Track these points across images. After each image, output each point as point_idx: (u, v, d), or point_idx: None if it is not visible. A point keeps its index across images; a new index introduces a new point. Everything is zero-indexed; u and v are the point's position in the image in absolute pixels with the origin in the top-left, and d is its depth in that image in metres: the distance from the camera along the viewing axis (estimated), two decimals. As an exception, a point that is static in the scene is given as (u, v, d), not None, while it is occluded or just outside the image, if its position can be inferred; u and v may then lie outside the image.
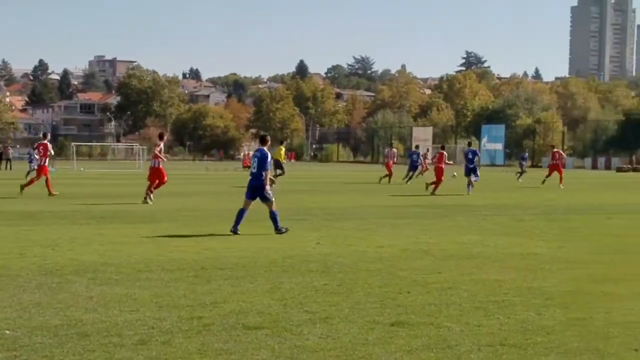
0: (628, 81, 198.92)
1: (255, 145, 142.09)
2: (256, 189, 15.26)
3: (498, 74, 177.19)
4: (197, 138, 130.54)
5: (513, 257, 12.16)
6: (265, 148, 15.53)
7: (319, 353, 6.49)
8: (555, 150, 38.46)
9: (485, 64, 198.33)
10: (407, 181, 37.68)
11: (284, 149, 36.75)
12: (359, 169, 70.61)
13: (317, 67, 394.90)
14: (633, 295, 9.06)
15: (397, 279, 10.05)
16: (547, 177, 36.88)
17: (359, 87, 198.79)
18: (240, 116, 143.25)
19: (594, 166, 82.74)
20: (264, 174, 15.19)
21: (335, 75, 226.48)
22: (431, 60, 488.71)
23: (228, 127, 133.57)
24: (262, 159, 15.27)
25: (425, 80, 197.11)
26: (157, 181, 23.46)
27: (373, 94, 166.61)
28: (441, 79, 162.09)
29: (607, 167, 79.97)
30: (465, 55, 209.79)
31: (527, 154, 51.60)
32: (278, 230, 14.96)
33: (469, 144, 34.28)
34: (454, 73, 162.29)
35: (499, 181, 37.82)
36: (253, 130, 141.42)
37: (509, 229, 16.56)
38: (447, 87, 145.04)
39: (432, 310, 8.15)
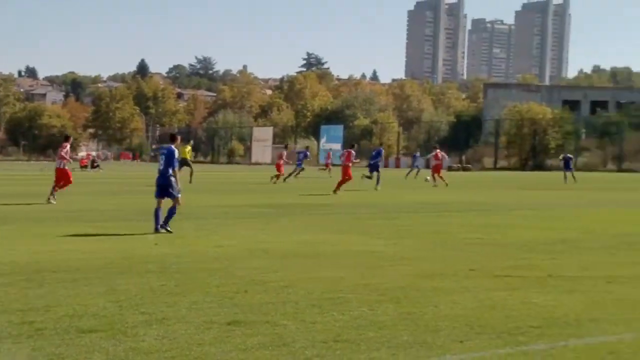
0: (459, 84, 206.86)
1: (93, 145, 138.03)
2: (163, 187, 15.35)
3: (337, 75, 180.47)
4: (32, 138, 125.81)
5: (349, 255, 12.44)
6: (173, 146, 15.60)
7: (154, 354, 6.43)
8: (437, 151, 39.87)
9: (325, 65, 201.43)
10: (285, 179, 39.36)
11: (189, 148, 38.09)
12: (200, 169, 69.98)
13: (158, 66, 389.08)
14: (460, 290, 9.47)
15: (234, 278, 10.08)
16: (434, 177, 38.48)
17: (200, 87, 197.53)
18: (79, 115, 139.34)
19: (427, 166, 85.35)
20: (170, 171, 15.28)
21: (176, 75, 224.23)
22: (272, 61, 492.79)
23: (65, 127, 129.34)
24: (168, 156, 15.35)
25: (266, 80, 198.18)
26: (62, 182, 23.62)
27: (214, 94, 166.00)
28: (282, 79, 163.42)
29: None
30: (305, 57, 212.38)
31: (419, 153, 52.44)
32: (164, 226, 15.11)
33: (381, 144, 36.17)
34: (295, 74, 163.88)
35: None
36: (91, 130, 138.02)
37: (346, 227, 16.91)
38: (287, 88, 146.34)
39: (268, 308, 8.23)
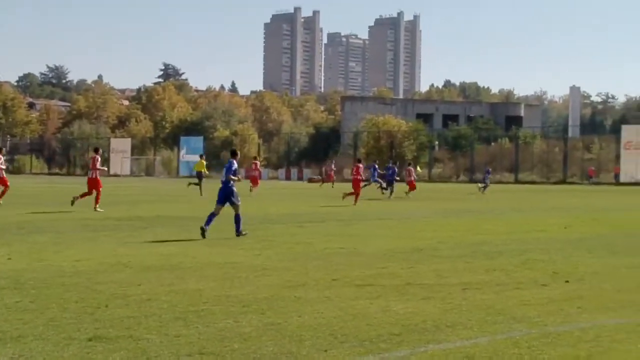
0: (317, 96, 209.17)
1: None
2: (226, 195, 17.50)
3: (196, 87, 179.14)
4: None
5: (212, 266, 12.37)
6: (234, 160, 17.93)
7: (11, 373, 6.21)
8: (409, 167, 42.30)
9: (183, 76, 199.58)
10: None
11: (204, 162, 41.98)
12: (54, 181, 68.00)
13: (7, 75, 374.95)
14: (323, 299, 9.58)
15: (94, 293, 9.84)
16: (408, 191, 40.08)
17: (53, 96, 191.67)
18: None
19: (288, 177, 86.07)
20: (230, 180, 17.47)
21: (27, 84, 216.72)
22: (129, 71, 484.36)
23: None
24: (228, 168, 17.69)
25: (122, 91, 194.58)
26: (92, 190, 26.06)
27: (69, 104, 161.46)
28: (139, 90, 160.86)
29: (300, 178, 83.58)
30: (163, 67, 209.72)
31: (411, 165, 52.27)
32: (239, 232, 17.23)
33: (395, 163, 44.07)
34: (152, 84, 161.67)
35: (197, 192, 38.41)
36: None
37: (208, 239, 16.78)
38: (145, 99, 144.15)
39: (131, 323, 8.09)
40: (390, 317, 8.53)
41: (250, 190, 39.02)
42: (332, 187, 47.22)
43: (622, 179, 68.75)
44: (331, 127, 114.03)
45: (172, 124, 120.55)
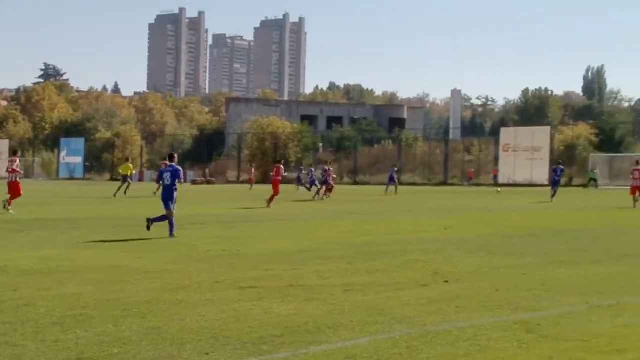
0: (202, 98, 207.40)
1: None
2: (164, 198, 18.04)
3: (77, 88, 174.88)
4: None
5: (92, 270, 12.14)
6: (174, 164, 18.34)
7: None
8: (327, 167, 42.20)
9: (65, 77, 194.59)
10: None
11: (131, 165, 42.30)
12: None
13: None
14: (204, 302, 9.54)
15: (-33, 299, 9.52)
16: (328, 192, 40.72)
17: None
18: None
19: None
20: (176, 184, 18.07)
21: None
22: (7, 71, 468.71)
23: None
24: (175, 173, 18.11)
25: (0, 91, 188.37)
26: (17, 194, 26.14)
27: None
28: (18, 90, 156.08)
29: (183, 179, 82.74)
30: (43, 67, 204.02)
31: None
32: (151, 221, 17.86)
33: (328, 163, 44.12)
34: (32, 85, 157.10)
35: (80, 193, 37.65)
36: None
37: (87, 242, 16.44)
38: (24, 99, 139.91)
39: (6, 329, 7.87)
40: (273, 319, 8.56)
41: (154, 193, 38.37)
42: (251, 189, 48.21)
43: (501, 180, 70.78)
44: (216, 128, 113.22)
45: (53, 125, 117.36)
